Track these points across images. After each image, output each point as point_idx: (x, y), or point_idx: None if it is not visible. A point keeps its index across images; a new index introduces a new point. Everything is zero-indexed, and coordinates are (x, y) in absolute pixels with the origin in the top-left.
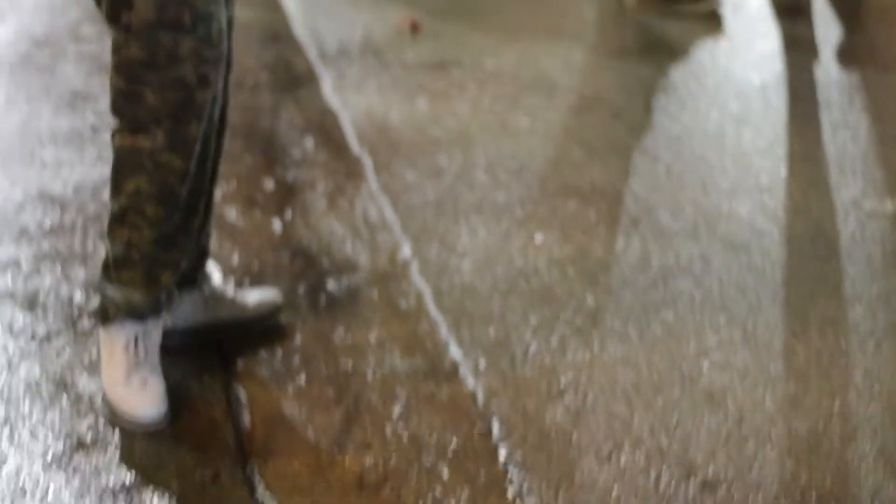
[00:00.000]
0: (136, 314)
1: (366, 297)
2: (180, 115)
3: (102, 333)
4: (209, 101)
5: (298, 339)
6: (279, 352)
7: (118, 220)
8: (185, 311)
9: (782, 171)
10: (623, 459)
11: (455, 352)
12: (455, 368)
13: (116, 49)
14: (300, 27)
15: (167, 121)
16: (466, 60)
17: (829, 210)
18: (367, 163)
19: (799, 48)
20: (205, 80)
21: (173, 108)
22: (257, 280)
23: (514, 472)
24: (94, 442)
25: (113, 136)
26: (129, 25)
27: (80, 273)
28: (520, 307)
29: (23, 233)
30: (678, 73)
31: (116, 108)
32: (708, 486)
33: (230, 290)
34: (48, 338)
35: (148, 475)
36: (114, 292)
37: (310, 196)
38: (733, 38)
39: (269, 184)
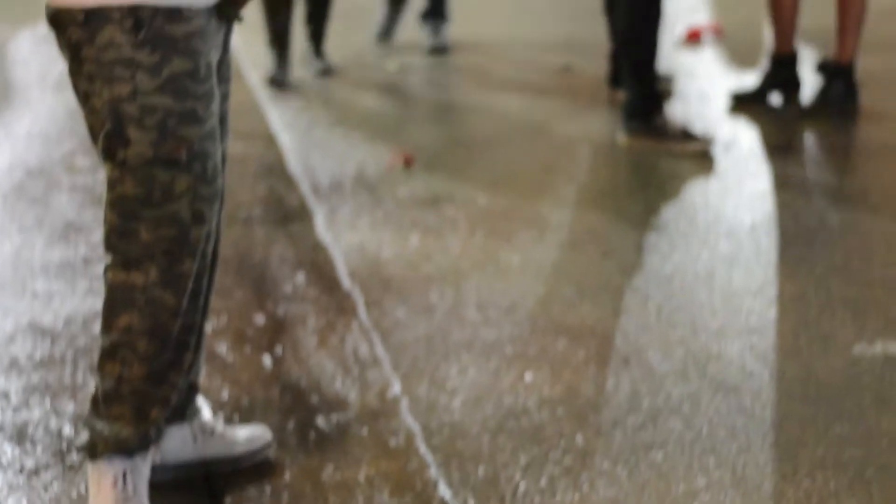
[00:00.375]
0: (125, 450)
1: (355, 435)
2: (174, 252)
3: (91, 468)
4: (203, 238)
5: (287, 476)
6: (268, 488)
7: (109, 355)
8: (173, 446)
9: (773, 312)
10: None
11: (444, 491)
12: None
13: (111, 185)
14: (294, 161)
15: (161, 257)
16: (459, 196)
17: (820, 352)
18: (359, 299)
19: (790, 188)
20: (200, 217)
21: (167, 245)
22: (247, 416)
23: None
24: None
25: (105, 270)
26: (124, 161)
27: (69, 406)
28: (509, 446)
29: (13, 364)
30: (669, 212)
31: (110, 244)
32: None
33: (219, 425)
34: (36, 471)
35: None
36: (103, 427)
37: (300, 332)
38: (724, 178)
39: (259, 319)
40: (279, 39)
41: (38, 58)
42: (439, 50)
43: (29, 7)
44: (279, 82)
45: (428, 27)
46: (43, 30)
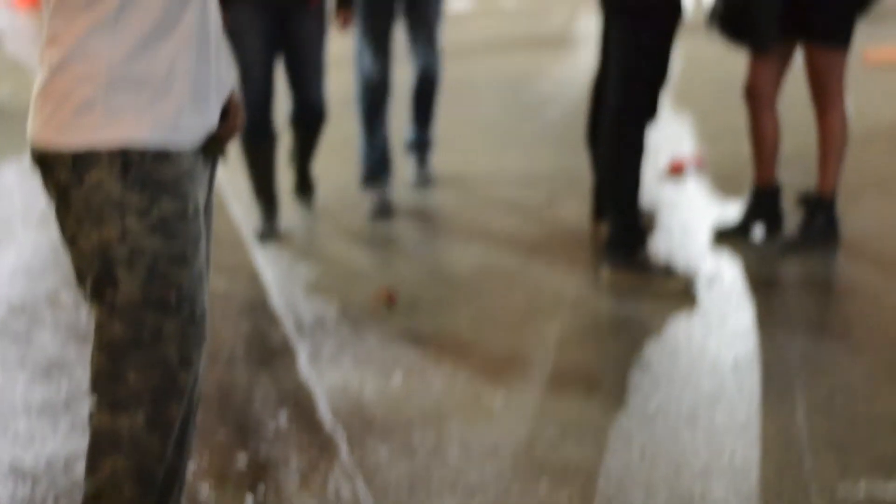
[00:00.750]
0: None
1: None
2: (161, 397)
3: None
4: (191, 382)
5: None
6: None
7: (93, 500)
8: None
9: (756, 451)
10: None
11: None
12: None
13: (99, 327)
14: (277, 298)
15: (148, 402)
16: (442, 334)
17: (803, 493)
18: (341, 439)
19: (773, 323)
20: (187, 361)
21: (155, 389)
22: None
23: None
24: None
25: (91, 413)
26: (113, 304)
27: None
28: None
29: None
30: (652, 350)
31: (97, 387)
32: None
33: None
34: None
35: None
36: None
37: (283, 472)
38: (707, 314)
39: (241, 459)
40: (264, 191)
41: (22, 191)
42: (425, 181)
43: (13, 139)
44: (266, 235)
45: (414, 156)
46: (27, 162)
